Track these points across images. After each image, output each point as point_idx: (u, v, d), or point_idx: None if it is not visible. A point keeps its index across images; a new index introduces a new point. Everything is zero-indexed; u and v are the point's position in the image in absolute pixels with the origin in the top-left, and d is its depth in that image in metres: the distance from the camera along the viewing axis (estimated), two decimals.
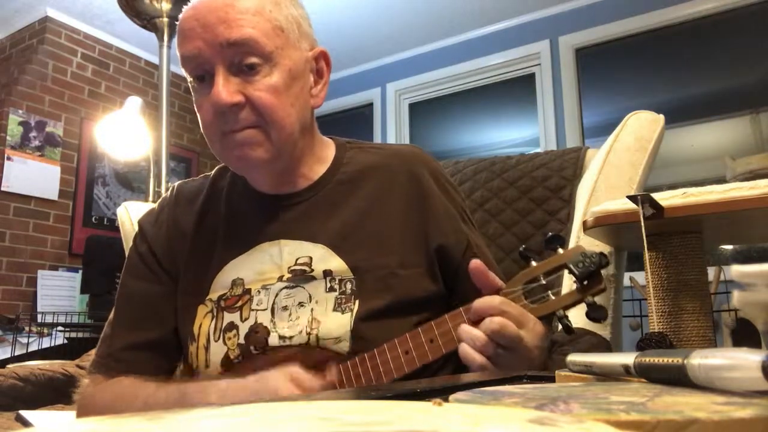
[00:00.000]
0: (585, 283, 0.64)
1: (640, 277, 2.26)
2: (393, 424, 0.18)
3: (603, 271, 0.65)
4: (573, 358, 0.40)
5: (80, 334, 2.83)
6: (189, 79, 0.76)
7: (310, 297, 0.73)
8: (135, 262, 0.84)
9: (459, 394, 0.30)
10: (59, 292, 3.28)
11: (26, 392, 1.47)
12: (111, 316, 0.85)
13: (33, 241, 3.29)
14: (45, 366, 1.60)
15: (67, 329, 2.80)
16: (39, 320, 2.83)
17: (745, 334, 2.00)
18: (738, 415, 0.21)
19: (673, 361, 0.28)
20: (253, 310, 0.74)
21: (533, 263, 0.68)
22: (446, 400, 0.26)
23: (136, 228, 0.90)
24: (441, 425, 0.18)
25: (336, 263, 0.74)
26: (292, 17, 0.76)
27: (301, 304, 0.73)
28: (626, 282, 1.83)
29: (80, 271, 3.26)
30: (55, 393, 1.52)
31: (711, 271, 2.12)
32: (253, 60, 0.71)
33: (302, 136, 0.77)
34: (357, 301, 0.72)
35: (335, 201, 0.80)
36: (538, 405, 0.25)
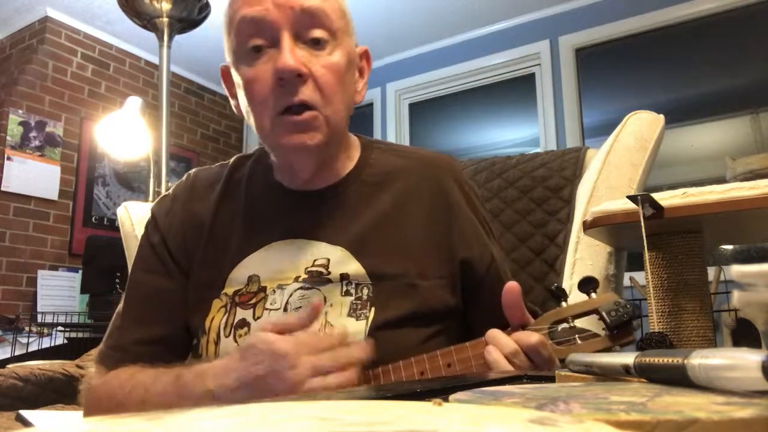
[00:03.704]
0: (615, 331, 0.64)
1: (640, 277, 2.26)
2: (393, 424, 0.18)
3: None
4: (573, 358, 0.40)
5: (80, 334, 2.83)
6: (230, 55, 0.72)
7: (324, 299, 0.71)
8: (146, 253, 0.81)
9: (459, 394, 0.30)
10: (59, 292, 3.28)
11: (26, 392, 1.47)
12: (120, 306, 0.83)
13: (33, 241, 3.29)
14: (45, 366, 1.60)
15: (67, 329, 2.80)
16: (39, 320, 2.83)
17: (745, 334, 2.01)
18: (738, 415, 0.21)
19: (673, 361, 0.28)
20: (266, 309, 0.72)
21: (564, 304, 0.67)
22: (446, 400, 0.26)
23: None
24: (441, 425, 0.18)
25: (354, 267, 0.72)
26: (348, 10, 0.75)
27: None
28: (626, 282, 1.83)
29: (80, 271, 3.26)
30: (55, 393, 1.52)
31: (711, 271, 2.12)
32: (321, 34, 0.69)
33: (344, 128, 0.76)
34: (373, 309, 0.70)
35: (358, 203, 0.78)
36: (538, 405, 0.25)
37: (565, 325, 0.66)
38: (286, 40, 0.67)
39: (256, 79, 0.69)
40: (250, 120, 0.73)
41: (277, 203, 0.79)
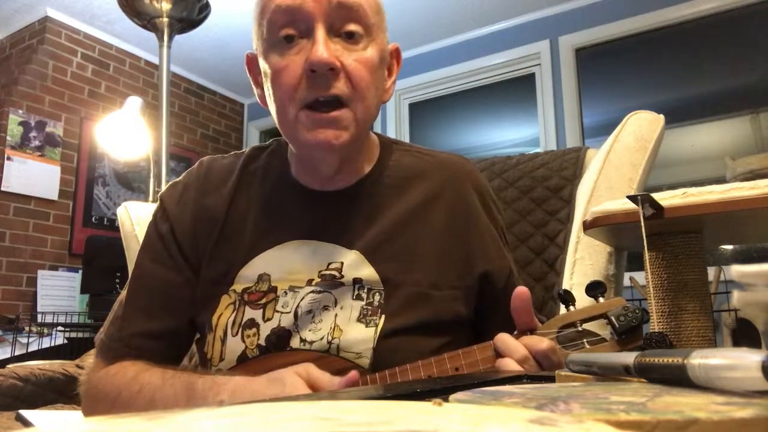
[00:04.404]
0: (623, 336, 0.64)
1: (640, 277, 2.26)
2: (393, 424, 0.18)
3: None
4: (573, 358, 0.40)
5: (80, 334, 2.83)
6: (259, 43, 0.70)
7: (335, 301, 0.71)
8: (154, 243, 0.78)
9: (459, 394, 0.30)
10: (59, 292, 3.28)
11: (26, 392, 1.47)
12: (123, 294, 0.81)
13: (33, 241, 3.29)
14: (45, 366, 1.60)
15: (67, 329, 2.80)
16: (39, 320, 2.83)
17: (745, 334, 2.00)
18: (738, 415, 0.21)
19: (673, 361, 0.28)
20: (277, 311, 0.71)
21: (572, 308, 0.67)
22: (446, 400, 0.26)
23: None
24: (441, 425, 0.18)
25: (367, 272, 0.72)
26: (383, 6, 0.74)
27: (325, 308, 0.70)
28: (626, 282, 1.83)
29: (80, 271, 3.26)
30: (55, 393, 1.52)
31: (711, 271, 2.12)
32: (355, 28, 0.67)
33: (370, 127, 0.75)
34: (383, 316, 0.69)
35: (375, 206, 0.76)
36: (538, 405, 0.25)
37: (573, 329, 0.66)
38: (320, 32, 0.66)
39: (286, 69, 0.67)
40: (272, 110, 0.72)
41: (293, 201, 0.77)
